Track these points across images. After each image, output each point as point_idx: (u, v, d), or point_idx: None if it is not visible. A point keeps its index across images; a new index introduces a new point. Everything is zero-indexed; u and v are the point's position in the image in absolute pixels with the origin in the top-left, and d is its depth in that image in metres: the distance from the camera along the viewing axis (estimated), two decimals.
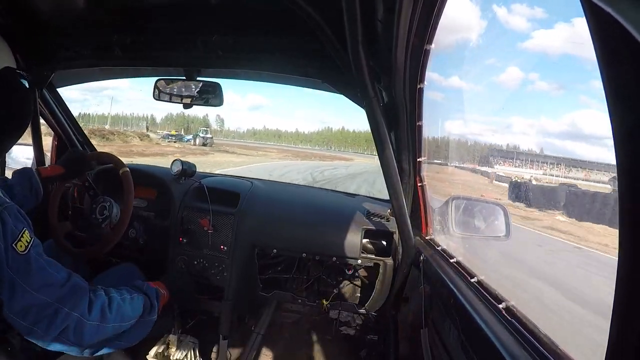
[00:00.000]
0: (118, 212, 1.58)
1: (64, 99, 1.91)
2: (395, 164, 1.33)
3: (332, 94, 1.54)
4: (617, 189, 0.36)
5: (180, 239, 1.78)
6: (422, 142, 1.42)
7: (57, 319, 0.91)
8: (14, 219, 0.88)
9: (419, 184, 1.50)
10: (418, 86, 1.22)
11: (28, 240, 0.89)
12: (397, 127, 1.33)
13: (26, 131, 1.12)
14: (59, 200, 1.59)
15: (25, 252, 0.88)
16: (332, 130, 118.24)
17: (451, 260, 1.24)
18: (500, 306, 0.89)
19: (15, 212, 0.89)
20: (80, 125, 2.07)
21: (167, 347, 1.62)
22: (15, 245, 0.86)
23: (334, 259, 1.75)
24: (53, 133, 2.00)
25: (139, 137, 31.29)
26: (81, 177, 1.59)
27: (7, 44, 1.09)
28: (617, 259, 0.38)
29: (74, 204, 1.75)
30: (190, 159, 2.01)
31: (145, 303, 1.13)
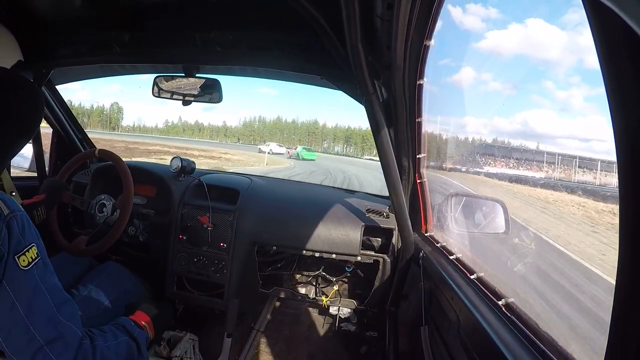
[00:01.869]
0: (117, 209, 1.59)
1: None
2: (395, 161, 1.33)
3: None
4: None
5: (180, 236, 1.78)
6: (423, 138, 1.42)
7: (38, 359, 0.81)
8: (21, 229, 0.82)
9: (418, 181, 1.49)
10: (417, 82, 1.22)
11: (33, 257, 0.82)
12: (397, 124, 1.32)
13: None
14: (56, 223, 1.60)
15: (27, 268, 0.80)
16: (265, 121, 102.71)
17: (451, 257, 1.24)
18: (500, 302, 0.89)
19: (24, 223, 0.83)
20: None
21: (167, 344, 1.62)
22: (18, 258, 0.79)
23: (334, 255, 1.75)
24: (52, 130, 2.00)
25: None
26: (65, 197, 1.60)
27: (14, 37, 1.06)
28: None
29: (73, 205, 1.76)
30: None
31: (130, 347, 1.00)
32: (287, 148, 42.04)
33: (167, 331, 1.65)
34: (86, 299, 1.33)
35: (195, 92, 1.60)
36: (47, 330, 0.81)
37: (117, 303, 1.39)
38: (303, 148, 38.34)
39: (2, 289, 0.78)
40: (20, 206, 0.86)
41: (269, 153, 35.68)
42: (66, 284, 1.46)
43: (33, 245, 0.83)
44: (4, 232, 0.79)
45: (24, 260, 0.80)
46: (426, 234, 1.52)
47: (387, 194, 1.52)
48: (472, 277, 1.06)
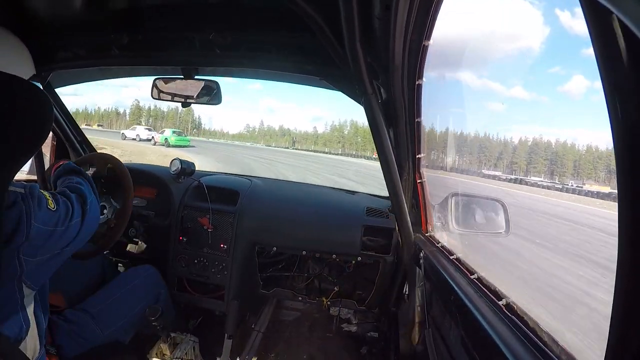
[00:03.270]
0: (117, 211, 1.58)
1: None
2: (395, 161, 1.33)
3: None
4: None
5: (180, 238, 1.78)
6: (422, 138, 1.41)
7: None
8: (39, 192, 0.94)
9: (418, 181, 1.49)
10: (416, 82, 1.21)
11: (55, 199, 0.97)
12: (396, 124, 1.32)
13: None
14: None
15: (54, 208, 0.95)
16: (358, 126, 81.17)
17: (451, 257, 1.23)
18: (501, 302, 0.89)
19: (36, 186, 0.95)
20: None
21: (168, 346, 1.62)
22: (47, 206, 0.93)
23: (334, 256, 1.75)
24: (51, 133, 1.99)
25: None
26: None
27: (28, 50, 1.08)
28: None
29: None
30: None
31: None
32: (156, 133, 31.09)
33: (168, 333, 1.65)
34: (121, 300, 1.43)
35: (195, 94, 1.60)
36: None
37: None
38: (173, 132, 29.70)
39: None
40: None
41: (135, 139, 29.06)
42: (84, 285, 1.51)
43: (45, 193, 0.95)
44: (32, 207, 0.88)
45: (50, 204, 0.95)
46: (426, 234, 1.52)
47: (387, 194, 1.52)
48: (472, 277, 1.06)
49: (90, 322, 1.29)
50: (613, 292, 0.39)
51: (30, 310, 0.96)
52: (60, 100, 1.92)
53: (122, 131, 33.14)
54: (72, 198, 1.04)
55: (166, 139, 27.37)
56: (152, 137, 29.21)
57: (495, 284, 0.99)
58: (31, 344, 0.98)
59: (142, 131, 31.63)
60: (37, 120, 0.92)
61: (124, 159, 1.78)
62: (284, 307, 2.23)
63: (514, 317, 0.81)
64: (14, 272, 0.88)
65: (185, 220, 1.78)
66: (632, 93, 0.32)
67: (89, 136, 2.09)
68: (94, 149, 2.12)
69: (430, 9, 0.95)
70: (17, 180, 0.95)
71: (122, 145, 20.88)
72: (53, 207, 0.95)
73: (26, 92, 0.90)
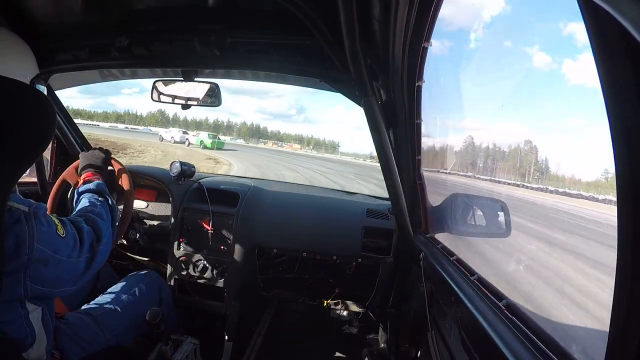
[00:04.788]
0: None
1: None
2: (395, 163, 1.33)
3: None
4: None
5: (181, 240, 1.78)
6: (421, 140, 1.41)
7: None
8: (44, 214, 0.92)
9: (418, 182, 1.49)
10: (416, 84, 1.22)
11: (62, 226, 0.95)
12: (396, 126, 1.32)
13: None
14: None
15: (65, 234, 0.94)
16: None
17: (451, 258, 1.23)
18: (501, 303, 0.88)
19: (42, 208, 0.92)
20: None
21: (168, 349, 1.61)
22: (57, 231, 0.92)
23: (335, 258, 1.75)
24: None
25: None
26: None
27: (30, 48, 1.07)
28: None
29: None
30: None
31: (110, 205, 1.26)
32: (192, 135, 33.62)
33: (168, 335, 1.65)
34: (123, 304, 1.43)
35: (195, 96, 1.60)
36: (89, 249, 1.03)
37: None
38: (209, 135, 32.27)
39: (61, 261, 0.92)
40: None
41: (170, 141, 30.83)
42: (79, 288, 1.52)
43: (54, 218, 0.94)
44: (35, 228, 0.86)
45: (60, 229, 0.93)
46: (426, 235, 1.52)
47: (387, 195, 1.52)
48: (472, 277, 1.06)
49: (92, 325, 1.28)
50: (613, 292, 0.39)
51: (37, 323, 0.96)
52: (60, 101, 1.92)
53: (159, 133, 36.21)
54: (83, 232, 1.02)
55: (202, 141, 29.60)
56: (187, 139, 31.59)
57: None
58: (37, 352, 0.98)
59: (175, 133, 34.15)
60: (40, 127, 0.90)
61: None
62: (284, 309, 2.23)
63: (514, 318, 0.81)
64: (19, 295, 0.86)
65: (186, 222, 1.78)
66: (631, 93, 0.32)
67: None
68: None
69: (430, 10, 0.95)
70: (22, 195, 0.93)
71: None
72: (62, 233, 0.93)
73: (29, 98, 0.89)
